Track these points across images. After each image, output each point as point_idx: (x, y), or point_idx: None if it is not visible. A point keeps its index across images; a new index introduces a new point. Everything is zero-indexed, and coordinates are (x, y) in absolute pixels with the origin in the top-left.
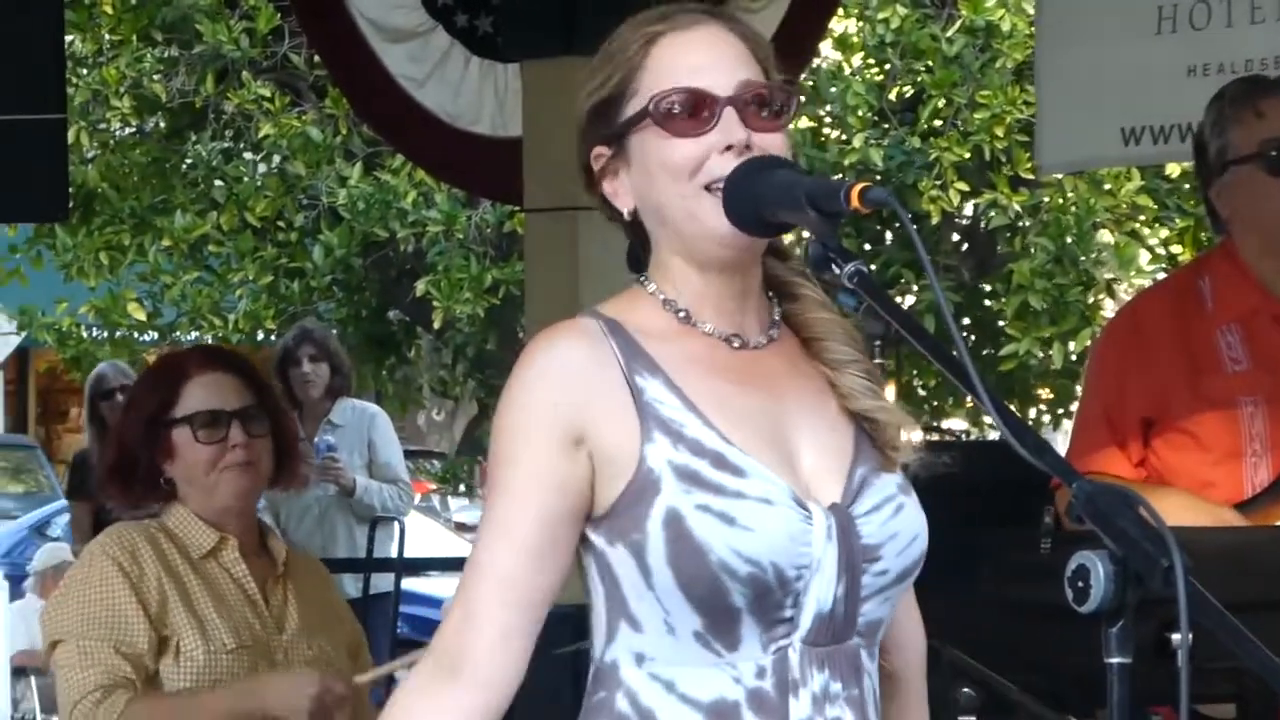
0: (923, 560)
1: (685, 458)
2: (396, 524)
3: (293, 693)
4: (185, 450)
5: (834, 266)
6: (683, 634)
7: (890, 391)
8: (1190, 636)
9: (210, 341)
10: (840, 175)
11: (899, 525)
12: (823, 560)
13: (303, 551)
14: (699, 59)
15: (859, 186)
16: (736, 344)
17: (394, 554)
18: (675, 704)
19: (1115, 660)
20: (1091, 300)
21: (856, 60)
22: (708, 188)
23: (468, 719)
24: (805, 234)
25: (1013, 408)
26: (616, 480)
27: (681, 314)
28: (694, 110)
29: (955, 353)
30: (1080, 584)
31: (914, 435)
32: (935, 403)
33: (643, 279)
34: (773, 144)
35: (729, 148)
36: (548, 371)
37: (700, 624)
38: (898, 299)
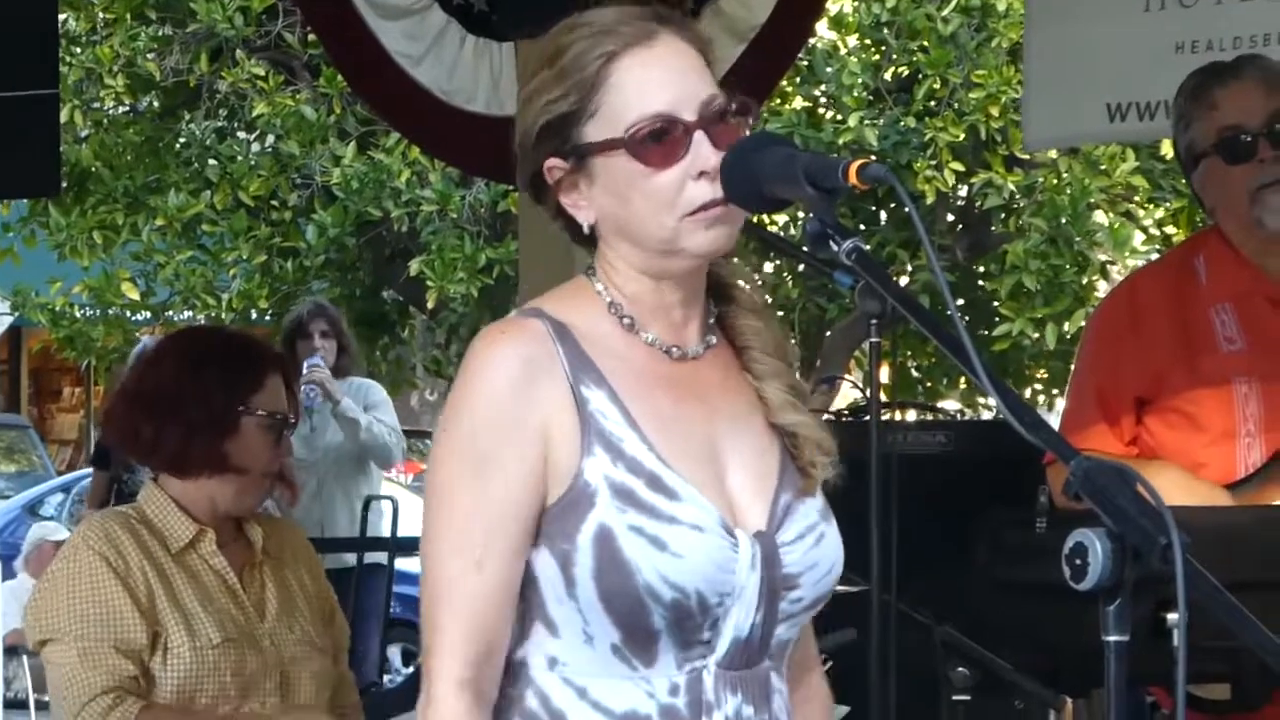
0: (833, 587)
1: (622, 475)
2: (390, 502)
3: None
4: (253, 441)
5: (832, 243)
6: (600, 646)
7: (884, 372)
8: (1186, 616)
9: (204, 321)
10: (835, 155)
11: (819, 555)
12: (745, 588)
13: (281, 521)
14: (661, 78)
15: (857, 163)
16: (676, 354)
17: (387, 532)
18: (587, 710)
19: (1113, 638)
20: (1086, 281)
21: (852, 40)
22: (690, 214)
23: None
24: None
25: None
26: (554, 488)
27: (626, 320)
28: (666, 138)
29: (953, 330)
30: (1078, 561)
31: (909, 416)
32: (929, 383)
33: (590, 272)
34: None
35: (702, 174)
36: (504, 377)
37: (618, 638)
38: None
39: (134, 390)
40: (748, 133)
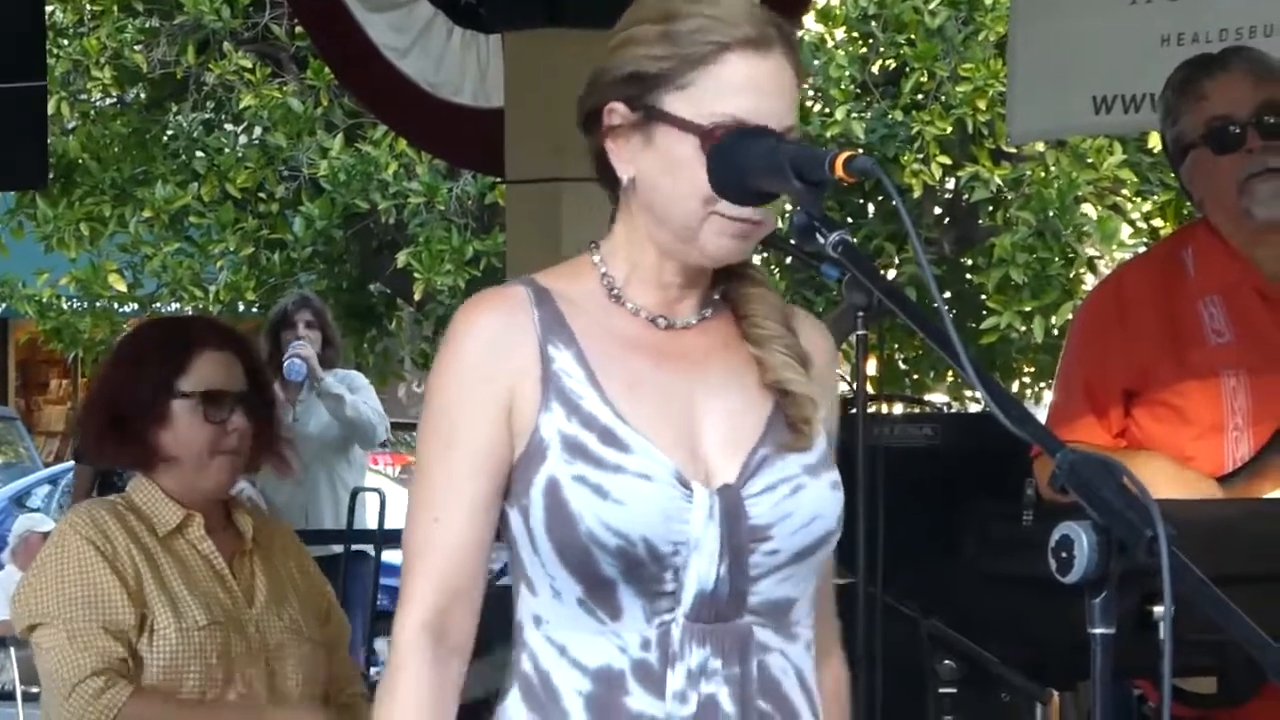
0: (828, 540)
1: (574, 429)
2: (377, 494)
3: None
4: (183, 425)
5: (818, 236)
6: (567, 600)
7: (871, 365)
8: (1172, 609)
9: (190, 313)
10: (823, 148)
11: (793, 505)
12: (702, 539)
13: (270, 518)
14: (759, 90)
15: (844, 155)
16: (663, 324)
17: (374, 525)
18: (567, 668)
19: (1098, 631)
20: (1073, 274)
21: (839, 33)
22: (722, 215)
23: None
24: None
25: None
26: (516, 445)
27: (615, 291)
28: None
29: (940, 324)
30: (1064, 554)
31: (895, 408)
32: (916, 376)
33: (593, 247)
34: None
35: None
36: (474, 344)
37: (580, 591)
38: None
39: (89, 391)
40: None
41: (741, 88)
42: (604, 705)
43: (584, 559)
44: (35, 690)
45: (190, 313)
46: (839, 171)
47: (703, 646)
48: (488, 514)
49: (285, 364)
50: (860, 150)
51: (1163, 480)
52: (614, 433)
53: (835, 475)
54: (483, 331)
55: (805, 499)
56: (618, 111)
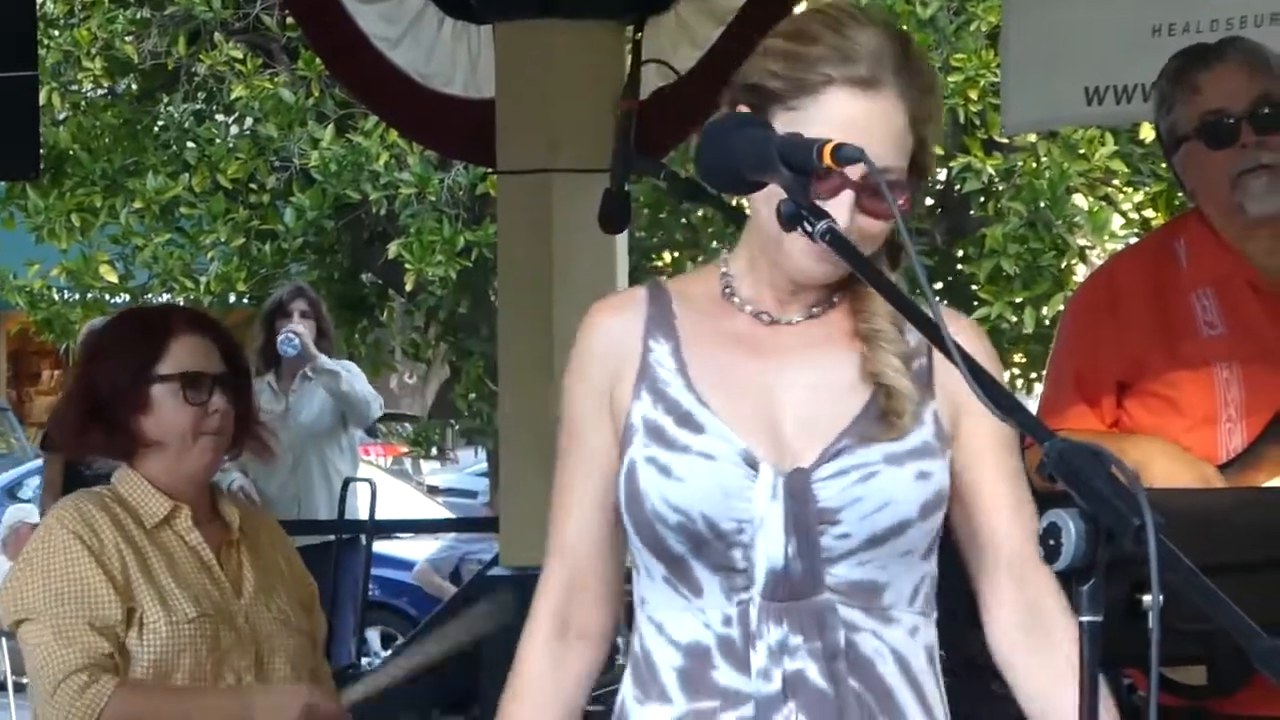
0: (904, 528)
1: (658, 415)
2: (368, 485)
3: (280, 708)
4: (166, 409)
5: (806, 224)
6: (656, 578)
7: None
8: (1161, 598)
9: (182, 304)
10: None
11: (864, 491)
12: (766, 518)
13: (256, 509)
14: (860, 132)
15: (831, 144)
16: (767, 320)
17: (365, 514)
18: (664, 645)
19: (1086, 619)
20: (1064, 265)
21: None
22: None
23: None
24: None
25: None
26: (618, 436)
27: (728, 289)
28: (824, 178)
29: (927, 310)
30: (1051, 542)
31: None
32: None
33: (725, 250)
34: (872, 229)
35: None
36: (587, 349)
37: (663, 569)
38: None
39: (68, 383)
40: (882, 225)
41: (840, 124)
42: (695, 679)
43: (653, 536)
44: (25, 681)
45: (182, 303)
46: (827, 160)
47: (780, 624)
48: (603, 512)
49: (280, 338)
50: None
51: (1160, 461)
52: (692, 416)
53: (929, 466)
54: (596, 336)
55: (877, 485)
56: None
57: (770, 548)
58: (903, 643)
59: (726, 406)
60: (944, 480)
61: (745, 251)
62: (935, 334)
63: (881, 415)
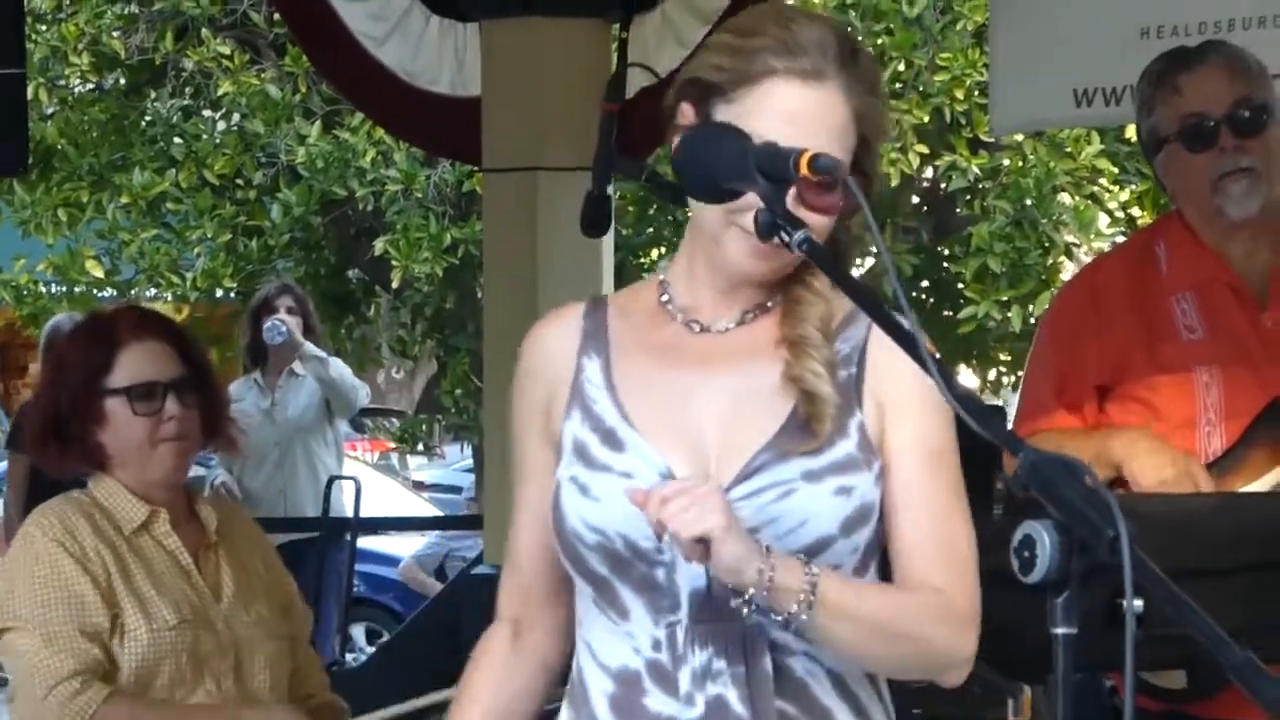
0: (825, 545)
1: (585, 433)
2: (353, 482)
3: None
4: (119, 422)
5: (783, 234)
6: (585, 599)
7: None
8: (1142, 604)
9: (169, 299)
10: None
11: (780, 510)
12: None
13: (232, 508)
14: (796, 120)
15: (808, 155)
16: (697, 329)
17: (349, 512)
18: (595, 669)
19: (1060, 630)
20: (1051, 263)
21: None
22: (735, 225)
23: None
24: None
25: (971, 370)
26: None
27: (665, 297)
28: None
29: (905, 320)
30: (1026, 554)
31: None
32: None
33: (669, 260)
34: (818, 225)
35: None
36: (525, 363)
37: (592, 591)
38: (856, 261)
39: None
40: (827, 220)
41: (780, 114)
42: (626, 706)
43: (575, 556)
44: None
45: (169, 299)
46: (804, 171)
47: (705, 647)
48: (546, 525)
49: (266, 326)
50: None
51: (1142, 457)
52: (615, 434)
53: (850, 481)
54: (535, 354)
55: (794, 502)
56: (686, 114)
57: (692, 568)
58: (837, 660)
59: (649, 421)
60: (869, 494)
61: (684, 257)
62: (912, 347)
63: (803, 424)
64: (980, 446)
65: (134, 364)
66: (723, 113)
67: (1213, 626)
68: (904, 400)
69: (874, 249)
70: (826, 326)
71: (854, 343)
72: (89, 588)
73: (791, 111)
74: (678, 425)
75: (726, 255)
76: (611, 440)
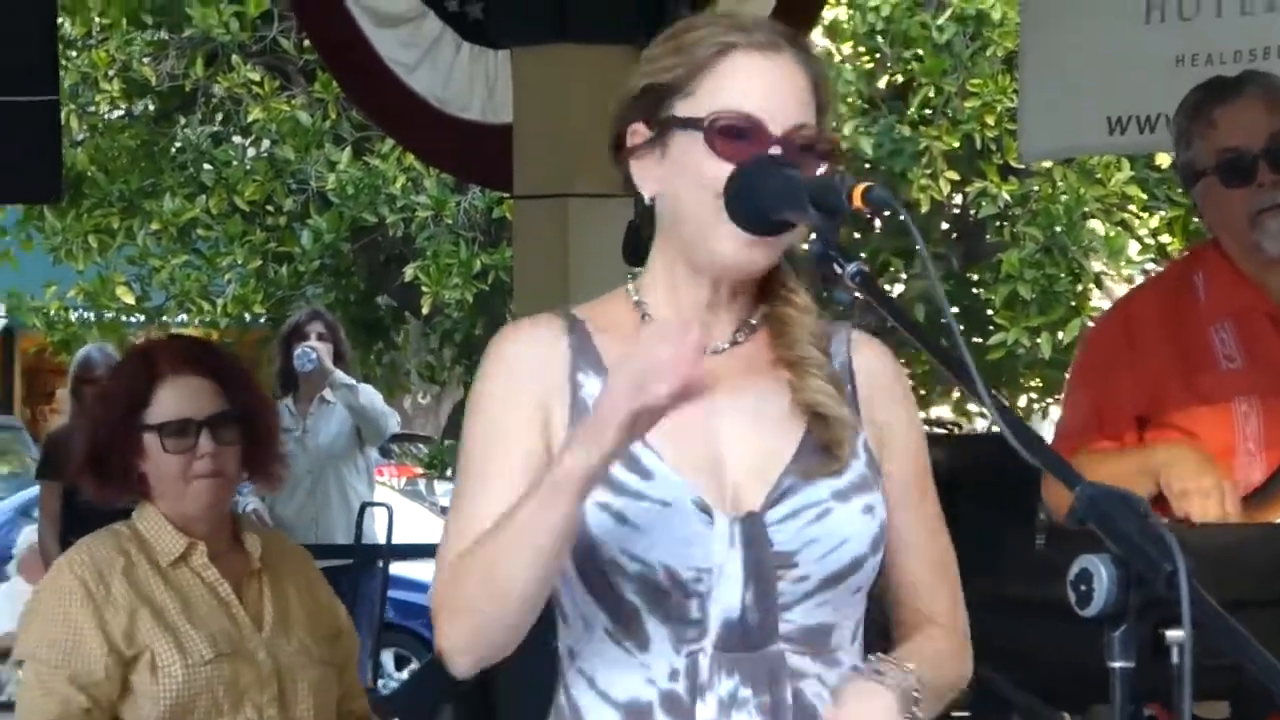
0: (860, 565)
1: None
2: (385, 509)
3: None
4: (155, 456)
5: (835, 266)
6: (596, 630)
7: None
8: (1192, 644)
9: (199, 325)
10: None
11: (819, 531)
12: (725, 566)
13: (283, 537)
14: (765, 87)
15: (861, 187)
16: None
17: (382, 539)
18: (596, 700)
19: (1118, 664)
20: (1080, 290)
21: (847, 48)
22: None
23: None
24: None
25: (1002, 396)
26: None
27: (646, 317)
28: (743, 138)
29: (953, 348)
30: (1083, 587)
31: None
32: (923, 391)
33: (631, 277)
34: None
35: None
36: (513, 366)
37: (607, 621)
38: (887, 287)
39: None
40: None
41: (743, 82)
42: None
43: (605, 585)
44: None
45: (199, 325)
46: (857, 202)
47: (731, 676)
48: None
49: (296, 353)
50: (866, 166)
51: (1182, 458)
52: (637, 459)
53: (871, 499)
54: (519, 354)
55: (832, 523)
56: (638, 132)
57: (727, 597)
58: (843, 680)
59: (668, 447)
60: (883, 512)
61: (659, 269)
62: (968, 379)
63: (821, 447)
64: (1013, 473)
65: (170, 400)
66: (683, 108)
67: (1267, 656)
68: (893, 417)
69: (902, 276)
70: (822, 344)
71: (841, 358)
72: (95, 636)
73: (755, 79)
74: (696, 449)
75: (718, 249)
76: (634, 465)
